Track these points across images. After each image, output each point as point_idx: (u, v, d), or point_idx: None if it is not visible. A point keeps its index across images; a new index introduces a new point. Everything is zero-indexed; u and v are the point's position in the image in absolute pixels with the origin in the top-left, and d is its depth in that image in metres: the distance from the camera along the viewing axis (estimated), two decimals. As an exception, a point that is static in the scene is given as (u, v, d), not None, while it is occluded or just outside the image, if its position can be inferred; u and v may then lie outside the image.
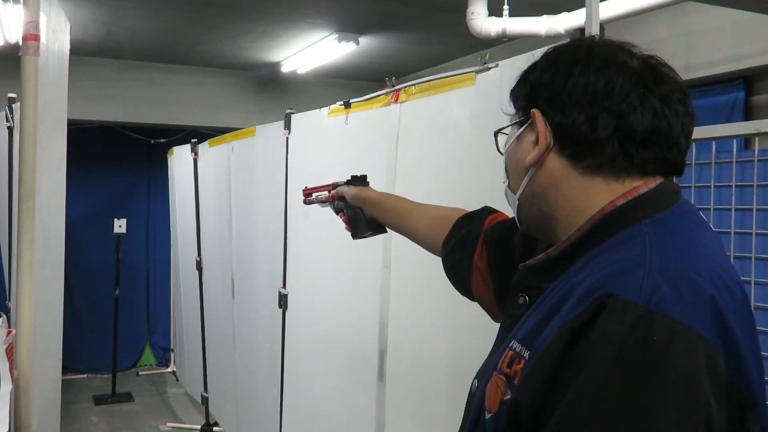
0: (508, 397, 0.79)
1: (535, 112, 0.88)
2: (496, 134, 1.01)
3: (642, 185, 0.84)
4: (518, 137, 0.92)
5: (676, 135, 0.84)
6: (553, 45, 0.94)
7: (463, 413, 0.96)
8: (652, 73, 0.85)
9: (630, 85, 0.83)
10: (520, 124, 0.93)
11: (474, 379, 0.93)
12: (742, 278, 2.04)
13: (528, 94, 0.91)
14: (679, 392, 0.66)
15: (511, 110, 0.96)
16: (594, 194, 0.84)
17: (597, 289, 0.73)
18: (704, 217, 0.87)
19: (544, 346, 0.75)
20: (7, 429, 1.58)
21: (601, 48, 0.88)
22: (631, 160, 0.83)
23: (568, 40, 0.96)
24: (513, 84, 0.95)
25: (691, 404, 0.67)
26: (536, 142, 0.88)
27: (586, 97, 0.84)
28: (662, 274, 0.72)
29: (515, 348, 0.81)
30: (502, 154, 0.99)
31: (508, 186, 0.97)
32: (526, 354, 0.79)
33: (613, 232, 0.81)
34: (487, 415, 0.82)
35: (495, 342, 0.97)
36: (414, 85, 2.33)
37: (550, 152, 0.87)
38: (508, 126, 0.97)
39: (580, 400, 0.69)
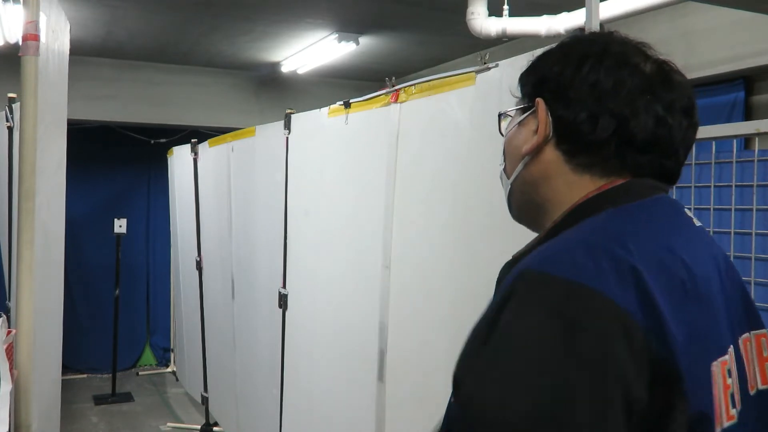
0: None
1: (540, 101, 0.87)
2: (500, 116, 1.01)
3: (619, 180, 0.84)
4: (520, 123, 0.92)
5: (675, 145, 0.84)
6: (572, 34, 0.94)
7: None
8: (663, 79, 0.85)
9: (638, 89, 0.83)
10: (523, 110, 0.92)
11: None
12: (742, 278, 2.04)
13: (536, 82, 0.90)
14: (585, 351, 0.66)
15: (518, 93, 0.95)
16: (578, 190, 0.85)
17: (518, 268, 0.75)
18: (687, 214, 0.87)
19: (475, 322, 0.78)
20: (7, 429, 1.58)
21: (617, 46, 0.87)
22: (624, 162, 0.83)
23: (590, 31, 0.95)
24: (524, 68, 0.95)
25: (597, 362, 0.66)
26: (536, 131, 0.88)
27: (592, 96, 0.83)
28: (582, 249, 0.73)
29: None
30: (503, 135, 0.99)
31: (504, 169, 0.97)
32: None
33: (578, 221, 0.81)
34: (452, 400, 0.83)
35: None
36: (414, 85, 2.33)
37: (547, 144, 0.87)
38: (512, 110, 0.97)
39: (489, 361, 0.71)
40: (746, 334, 0.84)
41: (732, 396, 0.76)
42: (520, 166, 0.91)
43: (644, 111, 0.82)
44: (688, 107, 0.85)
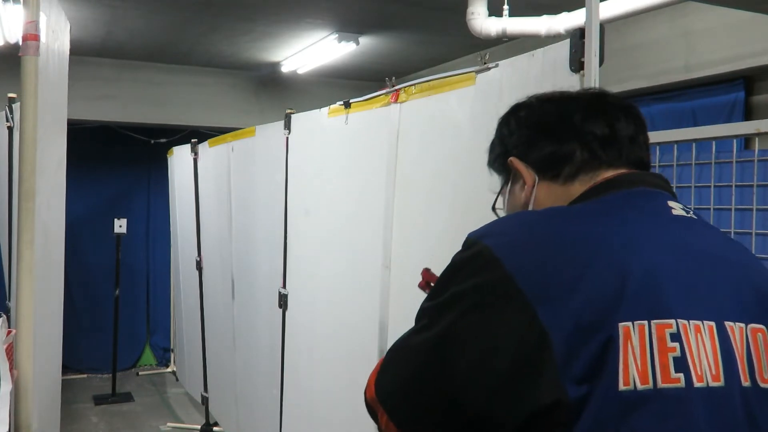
0: None
1: (513, 159, 1.02)
2: (494, 210, 1.11)
3: (600, 180, 0.95)
4: (510, 191, 1.06)
5: (630, 134, 0.98)
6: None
7: None
8: (597, 96, 1.02)
9: (578, 105, 0.99)
10: (506, 181, 1.06)
11: None
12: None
13: (501, 153, 1.06)
14: (461, 294, 0.82)
15: (496, 184, 1.10)
16: (572, 198, 0.96)
17: None
18: (669, 204, 0.91)
19: None
20: (7, 429, 1.58)
21: (541, 94, 1.04)
22: (599, 158, 0.96)
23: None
24: (487, 158, 1.11)
25: (465, 301, 0.81)
26: (524, 183, 1.01)
27: (548, 127, 0.99)
28: (506, 219, 0.93)
29: None
30: (503, 208, 1.10)
31: None
32: None
33: None
34: None
35: None
36: (414, 85, 2.33)
37: (537, 185, 1.00)
38: (499, 192, 1.10)
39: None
40: (757, 325, 0.83)
41: (678, 360, 0.74)
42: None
43: (594, 116, 0.97)
44: (626, 104, 1.00)
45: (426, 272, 1.32)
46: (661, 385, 0.73)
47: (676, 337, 0.75)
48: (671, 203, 0.91)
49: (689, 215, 0.90)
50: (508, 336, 0.76)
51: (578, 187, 0.96)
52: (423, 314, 0.88)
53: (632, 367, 0.73)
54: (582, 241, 0.82)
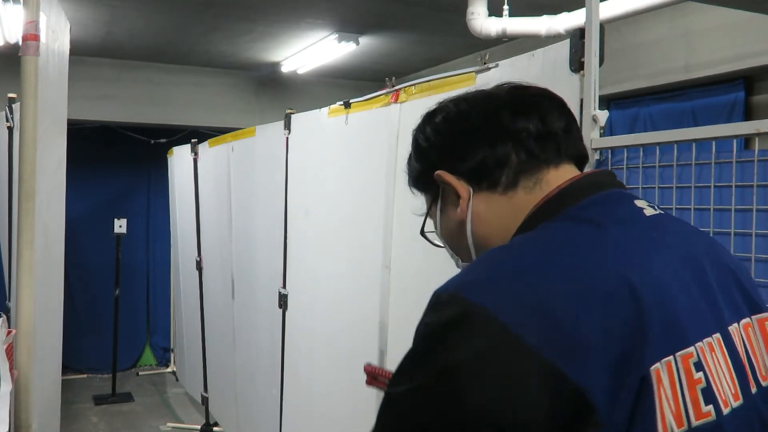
0: None
1: (440, 173, 0.90)
2: (423, 234, 1.01)
3: (553, 191, 0.84)
4: (442, 210, 0.94)
5: (562, 127, 0.88)
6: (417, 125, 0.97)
7: None
8: (515, 89, 0.91)
9: (499, 104, 0.88)
10: (434, 199, 0.94)
11: None
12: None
13: (423, 170, 0.94)
14: (451, 367, 0.66)
15: (421, 207, 0.98)
16: (520, 209, 0.85)
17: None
18: (637, 205, 0.84)
19: None
20: (7, 429, 1.58)
21: (458, 97, 0.93)
22: (537, 157, 0.86)
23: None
24: (407, 178, 0.99)
25: (456, 376, 0.65)
26: (457, 195, 0.89)
27: (474, 129, 0.88)
28: (482, 267, 0.75)
29: None
30: (441, 246, 0.99)
31: (462, 261, 0.97)
32: None
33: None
34: None
35: None
36: (414, 85, 2.34)
37: (472, 197, 0.88)
38: (427, 214, 0.98)
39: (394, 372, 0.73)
40: (746, 320, 0.81)
41: (705, 391, 0.71)
42: (469, 233, 0.90)
43: (519, 114, 0.86)
44: (549, 94, 0.91)
45: (369, 367, 1.17)
46: (695, 423, 0.70)
47: (699, 366, 0.72)
48: (638, 203, 0.84)
49: (657, 212, 0.85)
50: (535, 413, 0.62)
51: (523, 196, 0.85)
52: (393, 405, 0.71)
53: (667, 413, 0.68)
54: (579, 274, 0.70)
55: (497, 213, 0.87)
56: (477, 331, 0.66)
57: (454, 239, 0.95)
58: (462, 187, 0.88)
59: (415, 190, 0.99)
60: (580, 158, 0.91)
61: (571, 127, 0.90)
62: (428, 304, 0.72)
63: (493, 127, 0.87)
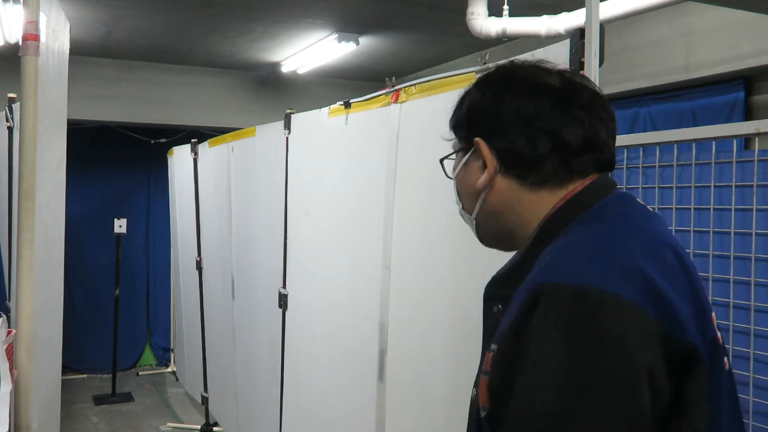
0: None
1: (479, 140, 0.96)
2: (442, 162, 1.08)
3: (579, 186, 0.93)
4: (465, 163, 1.00)
5: (603, 138, 0.94)
6: (484, 73, 1.01)
7: (466, 415, 0.98)
8: (571, 86, 0.95)
9: (556, 103, 0.92)
10: (464, 151, 1.00)
11: (473, 388, 0.96)
12: (741, 278, 2.04)
13: (466, 123, 0.99)
14: (617, 354, 0.73)
15: (451, 136, 1.04)
16: (542, 205, 0.93)
17: (532, 282, 0.81)
18: (641, 202, 0.96)
19: (501, 336, 0.85)
20: (7, 429, 1.58)
21: (522, 72, 0.97)
22: (570, 169, 0.93)
23: (496, 66, 1.03)
24: (450, 113, 1.04)
25: (627, 362, 0.73)
26: (484, 167, 0.96)
27: (521, 122, 0.92)
28: (587, 255, 0.82)
29: (493, 349, 0.87)
30: (451, 179, 1.06)
31: (462, 208, 1.04)
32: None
33: (555, 233, 0.89)
34: (482, 414, 0.87)
35: (482, 350, 1.00)
36: (414, 85, 2.33)
37: (497, 174, 0.95)
38: (453, 153, 1.04)
39: (532, 377, 0.76)
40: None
41: (723, 346, 0.88)
42: (479, 202, 0.98)
43: (569, 119, 0.91)
44: (601, 103, 0.95)
45: None
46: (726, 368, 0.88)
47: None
48: (638, 199, 0.96)
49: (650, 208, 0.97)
50: (660, 363, 0.77)
51: (547, 197, 0.93)
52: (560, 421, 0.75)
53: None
54: (655, 255, 0.84)
55: (518, 200, 0.94)
56: (638, 334, 0.76)
57: (464, 190, 1.02)
58: (491, 162, 0.95)
59: (451, 132, 1.04)
60: (609, 166, 0.97)
61: (611, 138, 0.95)
62: (550, 295, 0.78)
63: (543, 127, 0.91)
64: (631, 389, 0.73)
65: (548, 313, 0.77)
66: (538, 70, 0.96)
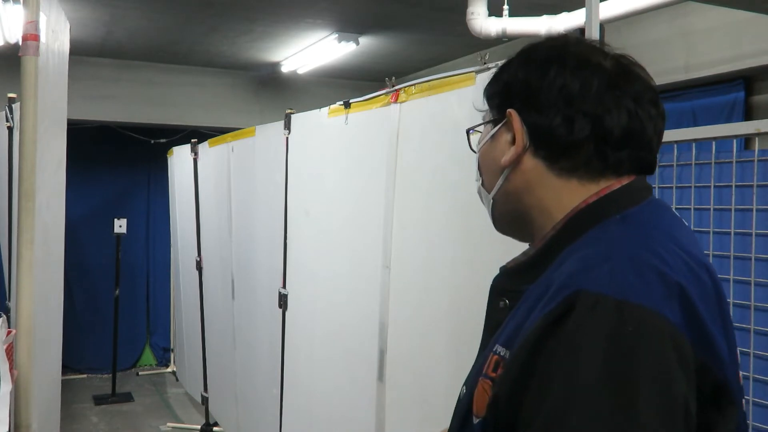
0: None
1: (512, 112, 0.87)
2: (468, 132, 1.01)
3: (615, 183, 0.84)
4: (493, 136, 0.92)
5: (648, 135, 0.85)
6: (529, 43, 0.93)
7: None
8: (625, 73, 0.86)
9: (604, 86, 0.84)
10: (494, 122, 0.92)
11: (462, 386, 0.91)
12: (741, 279, 2.04)
13: (503, 92, 0.91)
14: (656, 378, 0.67)
15: (484, 107, 0.95)
16: (568, 195, 0.85)
17: (567, 286, 0.73)
18: (675, 212, 0.89)
19: (520, 341, 0.75)
20: (7, 429, 1.58)
21: (575, 47, 0.88)
22: (606, 161, 0.84)
23: (544, 38, 0.95)
24: (487, 81, 0.95)
25: (667, 388, 0.68)
26: (512, 142, 0.88)
27: (563, 99, 0.84)
28: (629, 266, 0.73)
29: (499, 352, 0.80)
30: (475, 152, 0.98)
31: (482, 184, 0.96)
32: (508, 355, 0.78)
33: (585, 228, 0.81)
34: (475, 420, 0.81)
35: (479, 347, 0.95)
36: (414, 85, 2.33)
37: (525, 153, 0.87)
38: (481, 124, 0.96)
39: (561, 395, 0.68)
40: None
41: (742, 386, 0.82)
42: (501, 179, 0.90)
43: (615, 107, 0.83)
44: (653, 97, 0.86)
45: None
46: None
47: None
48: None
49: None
50: (692, 391, 0.71)
51: (576, 187, 0.84)
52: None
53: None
54: (690, 272, 0.76)
55: (542, 184, 0.86)
56: (662, 334, 0.70)
57: (486, 166, 0.94)
58: (521, 137, 0.86)
59: (483, 102, 0.95)
60: (649, 168, 0.88)
61: (657, 136, 0.87)
62: (590, 306, 0.70)
63: (582, 107, 0.83)
64: (668, 416, 0.67)
65: (584, 325, 0.69)
66: (593, 49, 0.88)
